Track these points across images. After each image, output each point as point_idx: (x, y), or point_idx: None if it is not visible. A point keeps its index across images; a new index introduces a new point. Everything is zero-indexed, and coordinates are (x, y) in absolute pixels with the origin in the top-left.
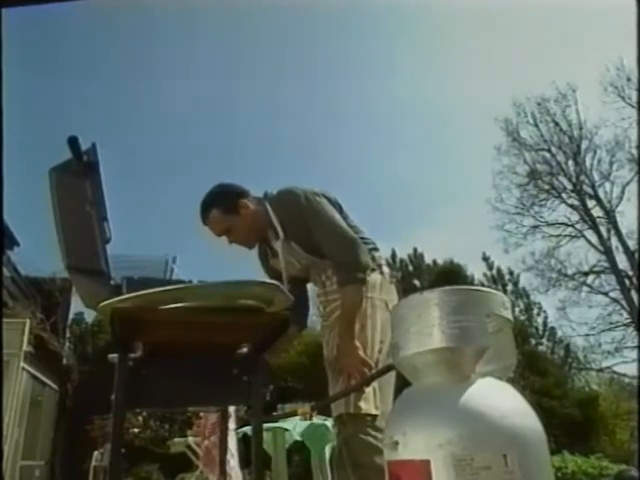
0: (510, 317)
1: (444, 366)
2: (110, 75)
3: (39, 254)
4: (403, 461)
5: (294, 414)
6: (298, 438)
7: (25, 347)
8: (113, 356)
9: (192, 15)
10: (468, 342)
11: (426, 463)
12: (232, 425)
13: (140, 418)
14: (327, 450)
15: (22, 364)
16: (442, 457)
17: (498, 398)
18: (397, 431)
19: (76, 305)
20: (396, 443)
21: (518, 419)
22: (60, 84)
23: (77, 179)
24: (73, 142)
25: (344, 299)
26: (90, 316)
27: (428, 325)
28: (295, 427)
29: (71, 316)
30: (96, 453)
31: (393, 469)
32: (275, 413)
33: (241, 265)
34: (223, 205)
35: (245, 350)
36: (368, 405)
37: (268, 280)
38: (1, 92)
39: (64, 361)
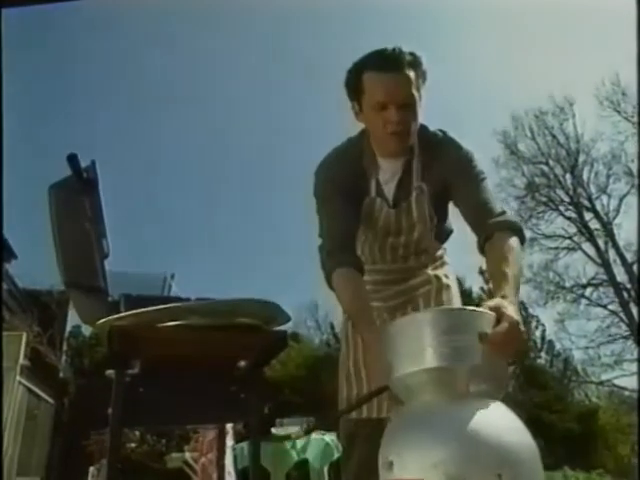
0: None
1: (437, 386)
2: (110, 78)
3: (37, 267)
4: None
5: (287, 438)
6: (297, 458)
7: (21, 360)
8: (110, 372)
9: (196, 17)
10: (460, 361)
11: None
12: (229, 442)
13: (137, 432)
14: (326, 467)
15: (18, 378)
16: (436, 477)
17: (491, 417)
18: (392, 451)
19: (73, 318)
20: (391, 463)
21: (512, 438)
22: (59, 91)
23: (76, 196)
24: (73, 159)
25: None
26: (87, 329)
27: (421, 345)
28: (294, 444)
29: (68, 329)
30: (92, 469)
31: None
32: (273, 428)
33: (239, 281)
34: (423, 72)
35: (243, 367)
36: None
37: (266, 299)
38: (1, 93)
39: (61, 374)
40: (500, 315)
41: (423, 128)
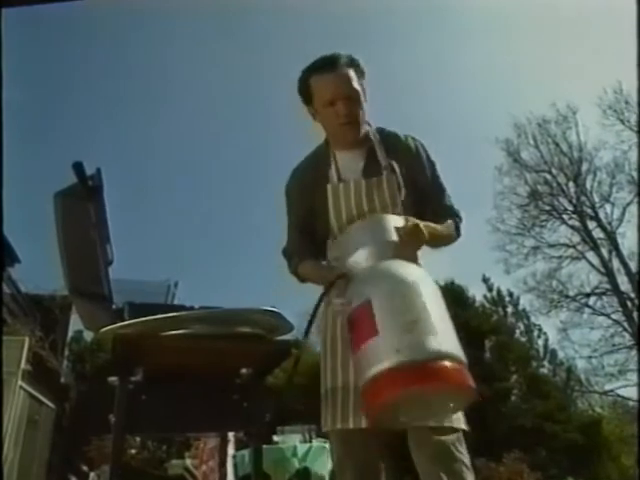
0: None
1: (374, 259)
2: (110, 83)
3: (40, 271)
4: (354, 310)
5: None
6: (297, 465)
7: (23, 365)
8: (113, 379)
9: (198, 20)
10: (387, 243)
11: (368, 302)
12: (230, 450)
13: (137, 439)
14: (328, 474)
15: (20, 382)
16: (378, 299)
17: (407, 263)
18: (350, 294)
19: (75, 323)
20: (350, 301)
21: (419, 271)
22: (60, 93)
23: (82, 204)
24: (78, 167)
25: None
26: (89, 334)
27: (363, 241)
28: (295, 451)
29: (70, 334)
30: (92, 474)
31: (349, 321)
32: (274, 436)
33: (241, 290)
34: (360, 70)
35: (246, 376)
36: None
37: (269, 308)
38: (1, 93)
39: (62, 379)
40: (407, 219)
41: (379, 128)
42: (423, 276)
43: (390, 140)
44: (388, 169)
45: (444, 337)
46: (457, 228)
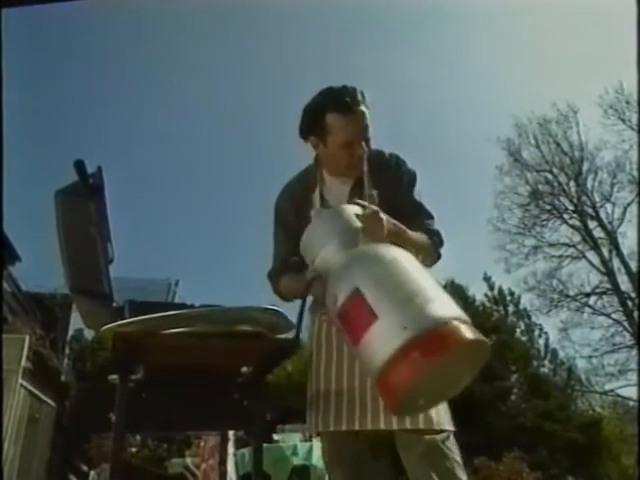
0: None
1: (345, 246)
2: (111, 83)
3: (40, 269)
4: (343, 304)
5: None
6: (296, 463)
7: (24, 363)
8: (113, 377)
9: (198, 19)
10: (353, 227)
11: (357, 290)
12: (231, 449)
13: (138, 437)
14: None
15: (20, 381)
16: (366, 284)
17: (378, 244)
18: (332, 291)
19: (76, 321)
20: (335, 297)
21: (393, 248)
22: (61, 92)
23: (82, 202)
24: (79, 165)
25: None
26: (90, 333)
27: (321, 243)
28: (296, 450)
29: (71, 332)
30: (92, 473)
31: (342, 317)
32: (275, 435)
33: (242, 288)
34: (367, 102)
35: (246, 375)
36: (439, 416)
37: (270, 306)
38: (1, 93)
39: (63, 378)
40: (366, 206)
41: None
42: (399, 251)
43: (374, 160)
44: (371, 197)
45: (444, 302)
46: (436, 248)
